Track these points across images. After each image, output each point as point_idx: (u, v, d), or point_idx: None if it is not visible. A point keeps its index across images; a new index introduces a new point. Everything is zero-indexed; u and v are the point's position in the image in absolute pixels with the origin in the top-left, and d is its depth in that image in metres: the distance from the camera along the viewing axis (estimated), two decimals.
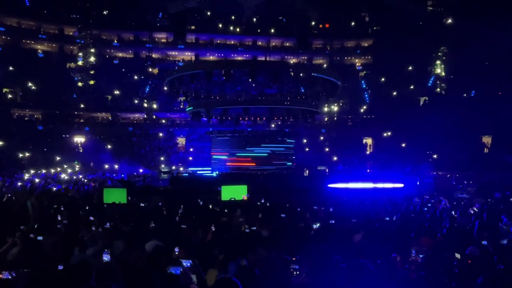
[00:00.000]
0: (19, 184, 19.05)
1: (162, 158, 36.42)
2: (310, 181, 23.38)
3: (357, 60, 52.93)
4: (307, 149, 40.12)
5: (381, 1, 41.45)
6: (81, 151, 36.14)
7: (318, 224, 8.10)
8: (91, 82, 43.28)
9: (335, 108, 44.67)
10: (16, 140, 33.80)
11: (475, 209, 12.04)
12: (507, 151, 27.96)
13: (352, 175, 24.11)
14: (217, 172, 26.07)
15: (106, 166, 32.22)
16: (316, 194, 16.94)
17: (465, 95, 40.16)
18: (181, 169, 33.89)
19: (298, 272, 4.29)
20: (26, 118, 41.54)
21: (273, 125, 30.90)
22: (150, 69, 48.64)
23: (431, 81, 45.03)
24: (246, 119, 25.78)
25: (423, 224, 8.65)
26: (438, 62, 45.17)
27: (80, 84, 43.05)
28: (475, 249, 5.82)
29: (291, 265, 4.46)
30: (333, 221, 8.86)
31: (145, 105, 43.76)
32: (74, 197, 14.75)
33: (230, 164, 25.01)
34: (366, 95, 46.98)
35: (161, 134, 41.71)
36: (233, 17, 51.53)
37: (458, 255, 5.64)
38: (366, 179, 21.78)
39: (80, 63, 44.72)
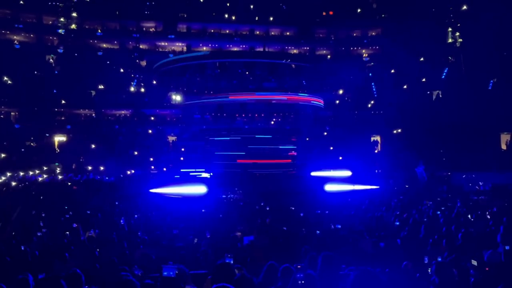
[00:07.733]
0: None
1: (151, 159, 36.36)
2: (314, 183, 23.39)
3: (364, 51, 52.90)
4: (309, 148, 40.07)
5: None
6: (60, 151, 36.04)
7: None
8: (73, 76, 43.07)
9: (340, 103, 44.66)
10: None
11: (493, 212, 12.08)
12: None
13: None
14: (211, 174, 26.07)
15: (90, 168, 32.18)
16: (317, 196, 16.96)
17: (482, 88, 40.14)
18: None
19: (303, 281, 4.29)
20: (2, 116, 41.39)
21: (272, 122, 30.88)
22: (138, 61, 48.49)
23: (444, 73, 45.04)
24: (243, 115, 25.80)
25: (438, 229, 8.69)
26: (452, 52, 45.15)
27: (60, 78, 42.84)
28: (497, 254, 5.80)
29: (295, 274, 4.45)
30: (339, 226, 8.90)
31: (132, 100, 43.62)
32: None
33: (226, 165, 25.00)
34: (374, 89, 46.97)
35: (150, 132, 41.65)
36: (228, 4, 51.35)
37: (475, 262, 5.66)
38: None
39: (60, 55, 44.50)
